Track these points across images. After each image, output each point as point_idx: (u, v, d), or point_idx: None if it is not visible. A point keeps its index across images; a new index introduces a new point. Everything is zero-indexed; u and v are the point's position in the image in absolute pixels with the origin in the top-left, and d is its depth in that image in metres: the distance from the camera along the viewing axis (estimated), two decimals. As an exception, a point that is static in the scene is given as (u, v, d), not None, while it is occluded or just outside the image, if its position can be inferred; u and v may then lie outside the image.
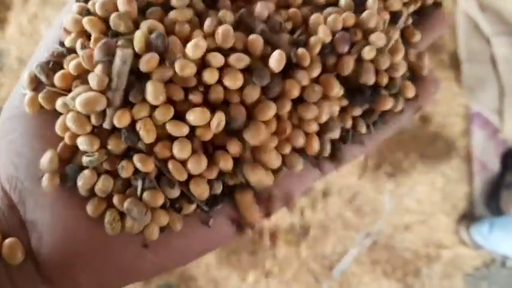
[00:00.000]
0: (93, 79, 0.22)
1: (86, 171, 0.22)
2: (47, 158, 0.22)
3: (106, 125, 0.21)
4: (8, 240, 0.21)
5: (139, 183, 0.22)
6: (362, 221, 1.06)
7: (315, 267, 1.05)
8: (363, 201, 1.07)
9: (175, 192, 0.22)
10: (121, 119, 0.21)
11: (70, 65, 0.23)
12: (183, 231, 0.23)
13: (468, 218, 1.08)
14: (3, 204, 0.22)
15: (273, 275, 1.00)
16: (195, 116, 0.21)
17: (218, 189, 0.23)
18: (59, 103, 0.22)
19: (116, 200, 0.22)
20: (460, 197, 1.10)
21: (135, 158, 0.22)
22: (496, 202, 1.06)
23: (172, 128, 0.22)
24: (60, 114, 0.22)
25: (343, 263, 1.05)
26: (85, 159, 0.22)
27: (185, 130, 0.22)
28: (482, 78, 1.03)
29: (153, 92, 0.21)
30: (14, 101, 0.24)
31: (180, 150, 0.21)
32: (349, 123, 0.26)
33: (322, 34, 0.23)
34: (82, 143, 0.22)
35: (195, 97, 0.22)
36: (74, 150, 0.22)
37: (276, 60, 0.22)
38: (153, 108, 0.22)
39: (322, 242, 1.04)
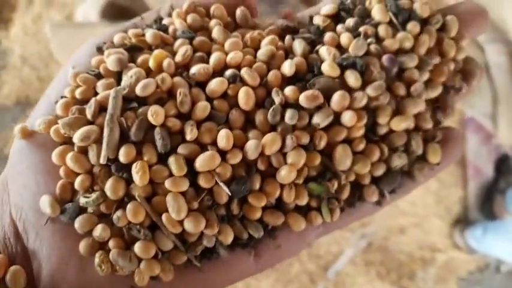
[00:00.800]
0: (88, 110, 0.23)
1: (83, 216, 0.22)
2: (45, 203, 0.22)
3: (101, 160, 0.22)
4: (12, 268, 0.22)
5: (134, 232, 0.22)
6: (357, 222, 1.07)
7: (311, 267, 1.05)
8: None
9: (168, 245, 0.22)
10: (128, 155, 0.22)
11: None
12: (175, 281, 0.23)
13: (462, 222, 1.08)
14: (9, 231, 0.23)
15: (268, 274, 1.02)
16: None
17: (210, 243, 0.23)
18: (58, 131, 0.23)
19: (111, 244, 0.22)
20: (454, 201, 1.10)
21: (128, 207, 0.22)
22: (489, 207, 1.07)
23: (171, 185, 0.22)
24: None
25: (338, 264, 1.06)
26: (82, 200, 0.22)
27: (184, 187, 0.22)
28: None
29: (176, 165, 0.22)
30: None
31: (177, 211, 0.22)
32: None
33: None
34: (79, 183, 0.22)
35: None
36: (73, 188, 0.23)
37: None
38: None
39: (318, 243, 1.04)
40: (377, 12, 0.26)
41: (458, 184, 1.10)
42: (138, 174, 0.21)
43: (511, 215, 1.05)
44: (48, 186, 0.23)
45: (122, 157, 0.22)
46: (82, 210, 0.23)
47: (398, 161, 0.25)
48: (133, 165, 0.22)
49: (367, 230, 1.07)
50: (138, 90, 0.23)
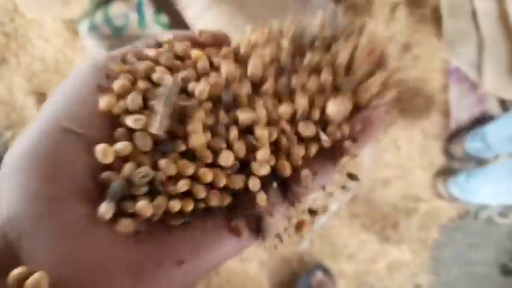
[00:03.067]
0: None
1: (141, 203, 0.24)
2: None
3: (155, 130, 0.24)
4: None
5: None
6: (341, 175, 1.08)
7: (294, 220, 1.07)
8: None
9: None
10: (196, 139, 0.25)
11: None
12: (210, 242, 0.25)
13: (446, 172, 1.10)
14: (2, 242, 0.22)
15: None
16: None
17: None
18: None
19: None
20: (437, 153, 1.11)
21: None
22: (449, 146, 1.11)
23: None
24: None
25: (323, 217, 1.08)
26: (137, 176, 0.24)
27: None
28: (462, 32, 1.02)
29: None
30: (12, 156, 0.24)
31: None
32: None
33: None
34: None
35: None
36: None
37: None
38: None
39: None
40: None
41: (442, 135, 1.11)
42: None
43: (469, 153, 1.08)
44: (44, 189, 0.22)
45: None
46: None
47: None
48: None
49: (352, 183, 1.09)
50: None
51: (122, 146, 0.25)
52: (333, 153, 0.28)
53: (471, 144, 1.04)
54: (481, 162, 1.09)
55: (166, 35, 0.30)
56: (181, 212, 0.26)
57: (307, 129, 0.27)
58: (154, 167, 0.26)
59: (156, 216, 0.25)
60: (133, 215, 0.24)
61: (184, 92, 0.27)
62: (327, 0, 0.91)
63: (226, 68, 0.27)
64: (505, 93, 1.02)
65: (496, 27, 1.00)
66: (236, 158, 0.26)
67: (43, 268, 0.21)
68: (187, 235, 0.25)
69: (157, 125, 0.25)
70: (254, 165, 0.26)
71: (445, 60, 1.08)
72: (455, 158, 1.11)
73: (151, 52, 0.29)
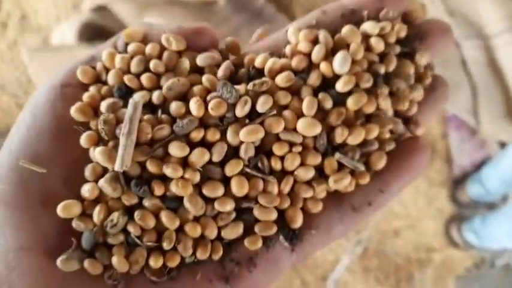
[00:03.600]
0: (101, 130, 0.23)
1: (115, 260, 0.23)
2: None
3: (116, 168, 0.22)
4: None
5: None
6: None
7: (309, 278, 1.04)
8: None
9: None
10: (153, 167, 0.23)
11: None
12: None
13: (457, 218, 1.08)
14: None
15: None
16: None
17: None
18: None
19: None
20: (444, 200, 1.10)
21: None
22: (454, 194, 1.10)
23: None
24: None
25: (336, 273, 1.05)
26: (109, 225, 0.23)
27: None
28: (455, 81, 1.04)
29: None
30: None
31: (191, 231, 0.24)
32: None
33: None
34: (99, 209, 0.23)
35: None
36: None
37: None
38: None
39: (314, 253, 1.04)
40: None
41: (447, 182, 1.11)
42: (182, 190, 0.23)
43: (472, 199, 1.06)
44: (15, 240, 0.22)
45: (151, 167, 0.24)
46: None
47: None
48: (174, 182, 0.23)
49: (362, 236, 1.07)
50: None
51: (88, 192, 0.24)
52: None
53: (472, 189, 1.04)
54: (491, 206, 1.08)
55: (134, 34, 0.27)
56: (165, 266, 0.24)
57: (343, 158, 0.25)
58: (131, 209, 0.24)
59: (134, 270, 0.23)
60: (109, 266, 0.23)
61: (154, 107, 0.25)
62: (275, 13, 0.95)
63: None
64: (504, 135, 1.04)
65: (486, 74, 1.04)
66: (236, 200, 0.24)
67: None
68: None
69: (119, 162, 0.23)
70: (258, 211, 0.24)
71: (442, 108, 1.11)
72: (463, 205, 1.10)
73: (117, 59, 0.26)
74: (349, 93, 0.25)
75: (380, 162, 0.26)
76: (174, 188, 0.23)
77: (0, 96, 1.05)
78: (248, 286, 0.24)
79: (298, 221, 0.25)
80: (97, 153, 0.23)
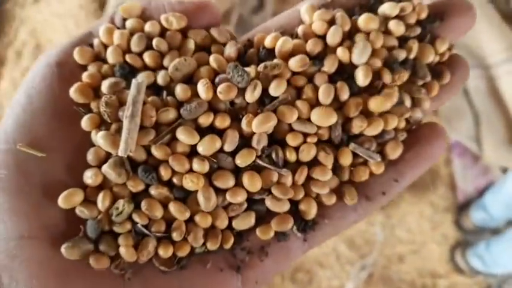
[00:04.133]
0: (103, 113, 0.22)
1: (123, 250, 0.22)
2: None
3: (120, 153, 0.21)
4: None
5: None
6: (356, 253, 1.07)
7: (314, 304, 1.05)
8: (354, 234, 1.06)
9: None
10: (160, 152, 0.22)
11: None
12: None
13: (462, 244, 1.07)
14: None
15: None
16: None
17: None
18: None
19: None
20: (449, 226, 1.09)
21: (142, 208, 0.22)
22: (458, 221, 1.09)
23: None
24: None
25: (341, 297, 1.05)
26: (114, 213, 0.22)
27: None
28: (457, 109, 1.06)
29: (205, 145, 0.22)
30: None
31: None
32: None
33: None
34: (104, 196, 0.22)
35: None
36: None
37: None
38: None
39: (319, 278, 1.03)
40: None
41: (451, 208, 1.10)
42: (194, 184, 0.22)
43: (476, 224, 1.06)
44: (16, 227, 0.21)
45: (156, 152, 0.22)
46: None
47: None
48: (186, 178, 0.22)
49: (367, 261, 1.07)
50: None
51: (91, 179, 0.22)
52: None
53: (476, 215, 1.05)
54: (495, 231, 1.08)
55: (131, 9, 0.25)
56: (175, 255, 0.23)
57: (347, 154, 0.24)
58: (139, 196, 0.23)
59: (143, 260, 0.22)
60: (116, 255, 0.22)
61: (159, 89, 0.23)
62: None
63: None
64: (506, 162, 1.04)
65: (488, 103, 1.06)
66: (248, 192, 0.23)
67: None
68: (184, 280, 0.23)
69: (123, 146, 0.21)
70: (270, 202, 0.24)
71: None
72: (468, 230, 1.11)
73: (114, 35, 0.24)
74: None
75: (396, 152, 0.25)
76: (186, 184, 0.22)
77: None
78: (259, 274, 0.24)
79: (312, 213, 0.24)
80: (99, 138, 0.22)
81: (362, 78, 0.23)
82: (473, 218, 1.06)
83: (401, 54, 0.24)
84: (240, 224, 0.23)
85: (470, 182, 1.10)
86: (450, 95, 0.26)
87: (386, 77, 0.24)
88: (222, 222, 0.23)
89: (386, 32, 0.25)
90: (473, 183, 1.10)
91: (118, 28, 0.25)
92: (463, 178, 1.10)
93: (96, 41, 0.25)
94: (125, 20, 0.25)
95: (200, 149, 0.22)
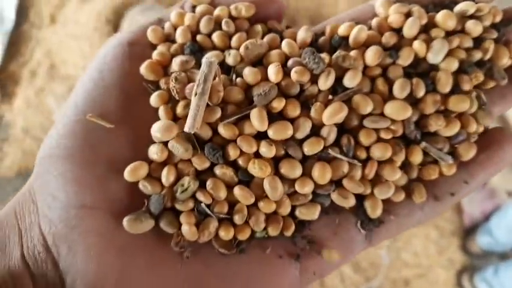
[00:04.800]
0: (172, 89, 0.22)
1: (185, 228, 0.22)
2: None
3: (187, 128, 0.21)
4: None
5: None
6: (361, 276, 1.05)
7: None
8: (360, 257, 1.05)
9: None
10: (227, 132, 0.22)
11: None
12: (268, 275, 0.23)
13: (469, 269, 1.07)
14: (39, 245, 0.21)
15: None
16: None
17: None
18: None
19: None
20: (455, 250, 1.08)
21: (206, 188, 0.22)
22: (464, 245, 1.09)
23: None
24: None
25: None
26: (179, 190, 0.22)
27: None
28: None
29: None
30: (51, 141, 0.23)
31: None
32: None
33: None
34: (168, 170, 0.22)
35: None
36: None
37: None
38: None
39: None
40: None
41: (458, 232, 1.10)
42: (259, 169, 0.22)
43: (483, 249, 1.05)
44: (77, 197, 0.21)
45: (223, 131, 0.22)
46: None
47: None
48: (252, 162, 0.22)
49: (372, 284, 1.06)
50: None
51: (157, 154, 0.22)
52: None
53: (482, 239, 1.05)
54: (503, 256, 1.08)
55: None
56: (235, 238, 0.22)
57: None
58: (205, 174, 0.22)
59: (203, 240, 0.22)
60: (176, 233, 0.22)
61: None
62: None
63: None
64: (512, 185, 1.05)
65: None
66: (316, 185, 0.23)
67: (81, 281, 0.20)
68: (242, 264, 0.23)
69: (191, 122, 0.21)
70: (336, 196, 0.23)
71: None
72: (474, 255, 1.10)
73: (186, 17, 0.25)
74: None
75: (469, 154, 0.24)
76: (251, 169, 0.22)
77: (23, 139, 1.07)
78: (318, 266, 0.23)
79: (377, 212, 0.23)
80: (154, 130, 0.22)
81: (443, 85, 0.23)
82: (480, 243, 1.06)
83: (477, 55, 0.24)
84: (304, 214, 0.23)
85: (477, 205, 1.10)
86: None
87: (465, 84, 0.24)
88: (285, 210, 0.23)
89: (463, 32, 0.25)
90: (479, 207, 1.10)
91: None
92: (469, 202, 1.10)
93: (167, 24, 0.25)
94: (194, 7, 0.26)
95: (271, 133, 0.22)
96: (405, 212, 0.24)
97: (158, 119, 0.23)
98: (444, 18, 0.24)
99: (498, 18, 0.25)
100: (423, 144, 0.23)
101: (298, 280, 0.23)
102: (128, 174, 0.22)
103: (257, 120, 0.22)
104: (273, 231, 0.23)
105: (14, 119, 1.08)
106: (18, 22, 1.14)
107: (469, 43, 0.24)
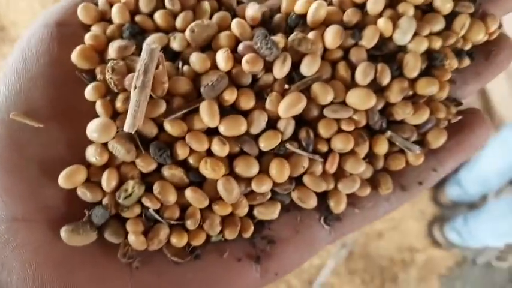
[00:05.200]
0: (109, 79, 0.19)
1: (132, 237, 0.20)
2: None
3: (126, 128, 0.18)
4: None
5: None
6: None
7: (294, 282, 1.05)
8: None
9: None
10: (175, 128, 0.20)
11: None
12: (225, 279, 0.21)
13: (439, 219, 1.10)
14: None
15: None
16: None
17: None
18: None
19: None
20: (426, 201, 1.11)
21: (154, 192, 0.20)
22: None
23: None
24: None
25: (321, 276, 1.07)
26: (122, 196, 0.20)
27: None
28: None
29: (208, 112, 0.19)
30: None
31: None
32: None
33: None
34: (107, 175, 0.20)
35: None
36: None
37: None
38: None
39: None
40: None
41: (429, 184, 1.14)
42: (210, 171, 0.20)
43: (452, 200, 1.09)
44: (8, 209, 0.19)
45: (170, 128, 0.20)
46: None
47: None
48: (202, 163, 0.20)
49: (347, 239, 1.09)
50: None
51: (95, 156, 0.19)
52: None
53: (451, 190, 1.07)
54: (471, 206, 1.11)
55: None
56: (189, 244, 0.21)
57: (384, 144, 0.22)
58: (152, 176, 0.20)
59: (153, 248, 0.20)
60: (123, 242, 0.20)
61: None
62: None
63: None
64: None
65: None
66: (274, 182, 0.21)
67: None
68: (198, 270, 0.21)
69: (130, 121, 0.19)
70: (297, 195, 0.21)
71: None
72: (444, 206, 1.13)
73: None
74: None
75: (438, 141, 0.23)
76: (203, 170, 0.20)
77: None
78: (280, 266, 0.22)
79: (341, 207, 0.22)
80: (90, 129, 0.19)
81: (411, 69, 0.21)
82: (449, 194, 1.09)
83: (451, 40, 0.22)
84: (263, 214, 0.21)
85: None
86: (494, 75, 0.24)
87: (442, 76, 0.22)
88: (243, 210, 0.21)
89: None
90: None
91: None
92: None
93: (100, 1, 0.22)
94: None
95: (222, 129, 0.20)
96: (370, 205, 0.23)
97: (96, 113, 0.20)
98: None
99: None
100: (388, 133, 0.22)
101: (259, 282, 0.22)
102: (63, 180, 0.19)
103: (207, 116, 0.19)
104: (230, 235, 0.21)
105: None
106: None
107: (440, 24, 0.22)
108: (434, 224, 1.11)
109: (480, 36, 0.23)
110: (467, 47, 0.23)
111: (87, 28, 0.21)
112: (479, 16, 0.23)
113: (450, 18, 0.22)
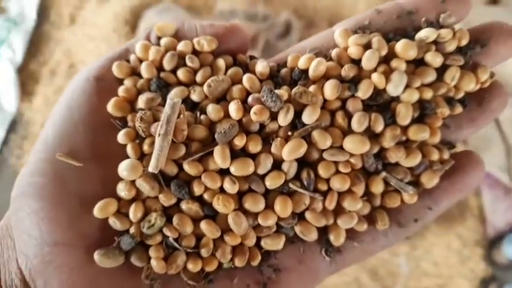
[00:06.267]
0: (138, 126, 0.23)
1: (154, 262, 0.23)
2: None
3: (151, 169, 0.22)
4: None
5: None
6: (378, 284, 1.04)
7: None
8: (378, 265, 1.04)
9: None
10: (192, 169, 0.23)
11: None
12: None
13: (493, 281, 1.04)
14: (17, 279, 0.22)
15: None
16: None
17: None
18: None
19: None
20: (478, 260, 1.05)
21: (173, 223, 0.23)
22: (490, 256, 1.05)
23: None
24: None
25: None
26: (146, 226, 0.23)
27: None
28: (487, 140, 1.04)
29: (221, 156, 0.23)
30: (23, 180, 0.24)
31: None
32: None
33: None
34: (134, 209, 0.23)
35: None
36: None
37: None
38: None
39: None
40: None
41: (481, 242, 1.07)
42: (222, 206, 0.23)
43: (509, 259, 1.02)
44: (50, 235, 0.22)
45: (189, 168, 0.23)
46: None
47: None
48: (215, 198, 0.23)
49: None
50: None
51: (124, 191, 0.23)
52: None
53: (508, 250, 1.01)
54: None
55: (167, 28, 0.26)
56: (203, 270, 0.23)
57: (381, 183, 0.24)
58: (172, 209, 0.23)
59: (172, 272, 0.23)
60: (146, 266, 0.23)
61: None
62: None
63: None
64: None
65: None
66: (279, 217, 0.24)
67: None
68: None
69: (154, 163, 0.22)
70: (300, 228, 0.24)
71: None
72: (499, 266, 1.07)
73: (149, 52, 0.25)
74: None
75: (431, 182, 0.25)
76: (216, 205, 0.23)
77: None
78: None
79: (341, 240, 0.24)
80: (121, 169, 0.23)
81: (403, 118, 0.23)
82: (506, 253, 1.03)
83: (441, 90, 0.24)
84: (269, 245, 0.24)
85: (501, 215, 1.06)
86: (488, 121, 0.26)
87: (434, 124, 0.24)
88: (251, 241, 0.24)
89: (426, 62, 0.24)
90: (503, 216, 1.06)
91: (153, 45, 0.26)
92: (493, 211, 1.07)
93: (132, 57, 0.26)
94: (159, 38, 0.26)
95: (233, 169, 0.23)
96: (369, 239, 0.25)
97: (126, 154, 0.24)
98: (404, 48, 0.24)
99: (464, 42, 0.25)
100: (383, 174, 0.24)
101: None
102: (97, 211, 0.23)
103: (220, 158, 0.23)
104: (239, 263, 0.24)
105: (33, 116, 1.11)
106: (39, 22, 1.17)
107: (431, 76, 0.24)
108: (491, 286, 1.05)
109: (471, 86, 0.25)
110: (460, 95, 0.25)
111: (120, 82, 0.26)
112: (471, 67, 0.25)
113: (442, 70, 0.24)
